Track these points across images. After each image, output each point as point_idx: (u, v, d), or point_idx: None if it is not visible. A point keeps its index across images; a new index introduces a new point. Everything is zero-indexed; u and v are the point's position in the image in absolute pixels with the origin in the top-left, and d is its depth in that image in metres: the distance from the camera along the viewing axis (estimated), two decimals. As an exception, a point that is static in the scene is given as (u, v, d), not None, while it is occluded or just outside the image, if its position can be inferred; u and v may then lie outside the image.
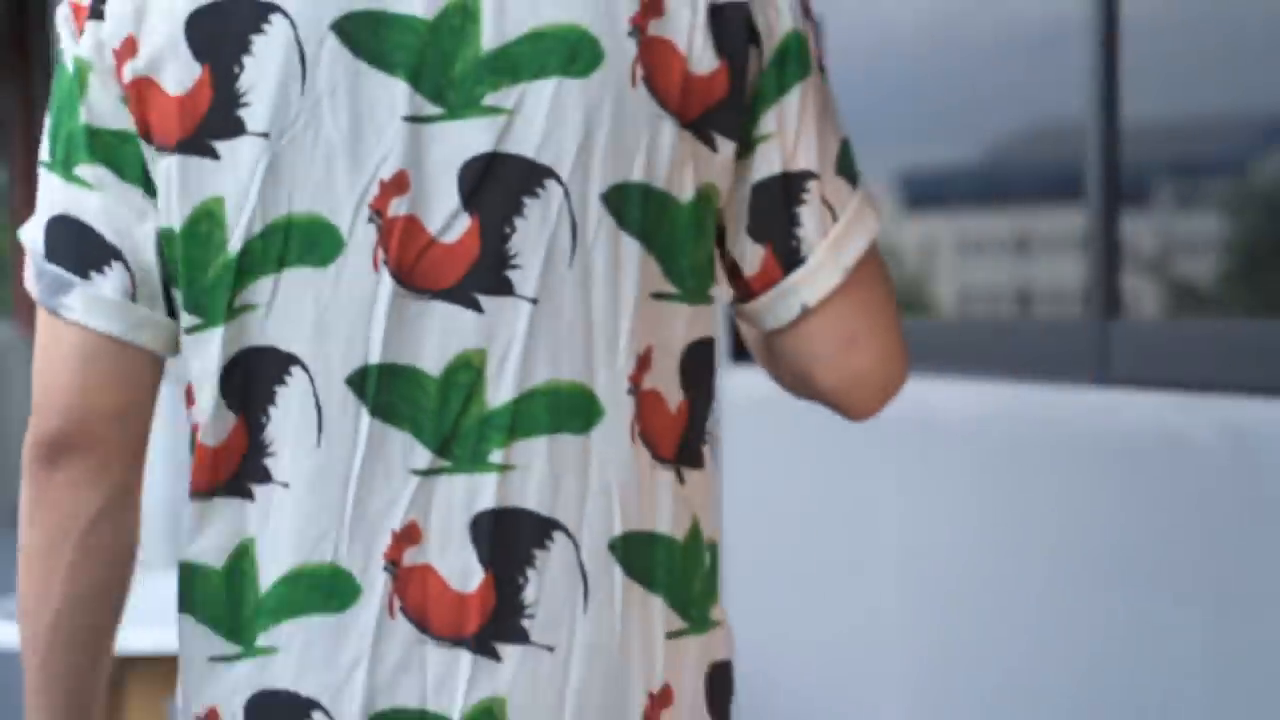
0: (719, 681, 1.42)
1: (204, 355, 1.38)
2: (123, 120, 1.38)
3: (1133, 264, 2.45)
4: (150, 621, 3.03)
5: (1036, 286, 2.80)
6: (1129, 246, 2.46)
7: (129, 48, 1.35)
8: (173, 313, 1.42)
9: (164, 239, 1.38)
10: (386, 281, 1.35)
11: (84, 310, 1.39)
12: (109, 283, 1.39)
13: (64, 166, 1.40)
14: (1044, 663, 2.36)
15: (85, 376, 1.40)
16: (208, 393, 1.37)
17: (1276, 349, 2.13)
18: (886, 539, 2.77)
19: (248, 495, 1.39)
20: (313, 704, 1.37)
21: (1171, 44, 2.46)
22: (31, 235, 1.43)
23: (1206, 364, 2.22)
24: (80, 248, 1.40)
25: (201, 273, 1.37)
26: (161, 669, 2.73)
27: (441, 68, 1.36)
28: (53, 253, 1.41)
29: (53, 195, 1.41)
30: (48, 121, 1.43)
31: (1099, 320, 2.39)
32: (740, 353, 3.63)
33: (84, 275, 1.40)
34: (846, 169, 1.44)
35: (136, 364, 1.41)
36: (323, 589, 1.37)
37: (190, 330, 1.38)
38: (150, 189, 1.39)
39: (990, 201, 2.94)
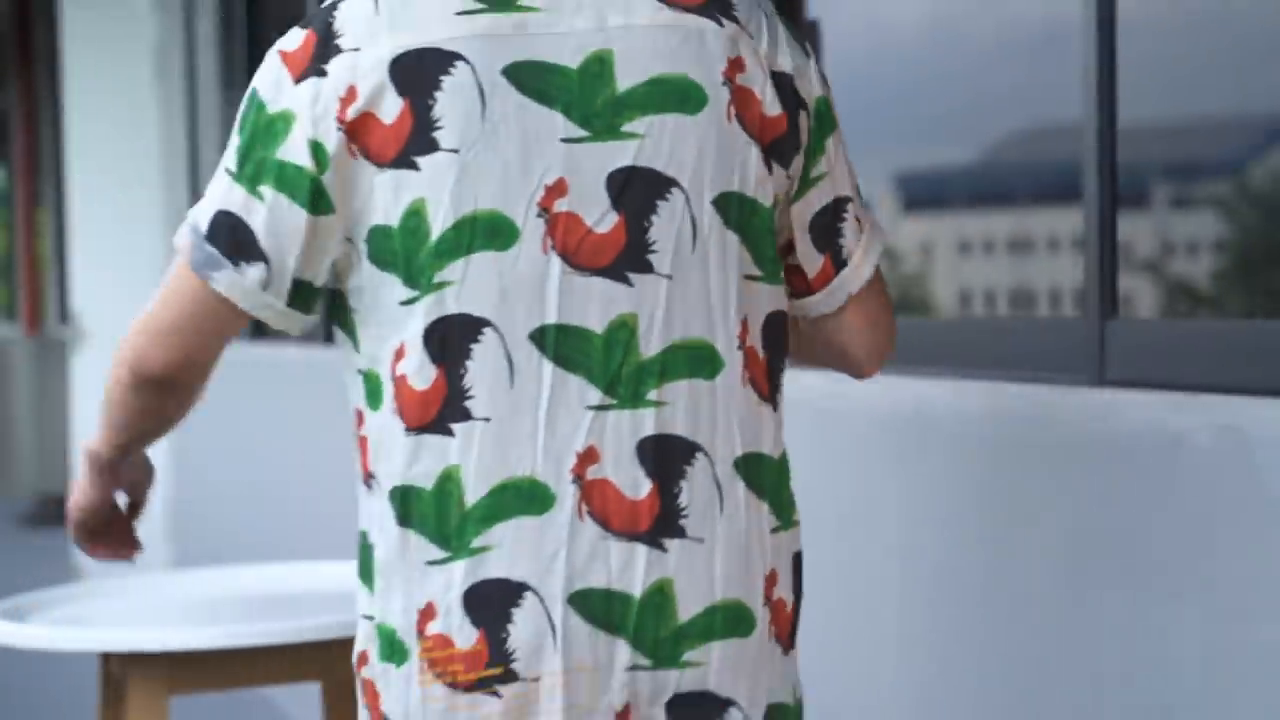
0: (798, 565, 1.91)
1: (414, 321, 1.80)
2: (306, 159, 1.81)
3: (1130, 264, 2.45)
4: (152, 621, 3.03)
5: (1034, 286, 2.80)
6: (1126, 247, 2.47)
7: (351, 94, 1.80)
8: (294, 303, 1.86)
9: (381, 234, 1.81)
10: (555, 261, 1.79)
11: (227, 286, 1.85)
12: (252, 272, 1.84)
13: (250, 181, 1.84)
14: (1041, 662, 2.36)
15: (201, 334, 1.88)
16: (415, 350, 1.80)
17: (1274, 349, 2.14)
18: (883, 536, 2.77)
19: (449, 433, 1.79)
20: (524, 586, 1.78)
21: (1169, 45, 2.46)
22: (198, 216, 1.86)
23: (1204, 364, 2.23)
24: (238, 242, 1.84)
25: (414, 257, 1.80)
26: (164, 667, 2.73)
27: (587, 103, 1.81)
28: (213, 237, 1.85)
29: (230, 196, 1.85)
30: (237, 140, 1.87)
31: (1096, 320, 2.40)
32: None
33: (234, 263, 1.84)
34: (860, 192, 1.99)
35: (237, 327, 1.89)
36: (525, 497, 1.78)
37: (405, 302, 1.81)
38: (317, 208, 1.83)
39: (988, 202, 2.95)
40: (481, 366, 1.79)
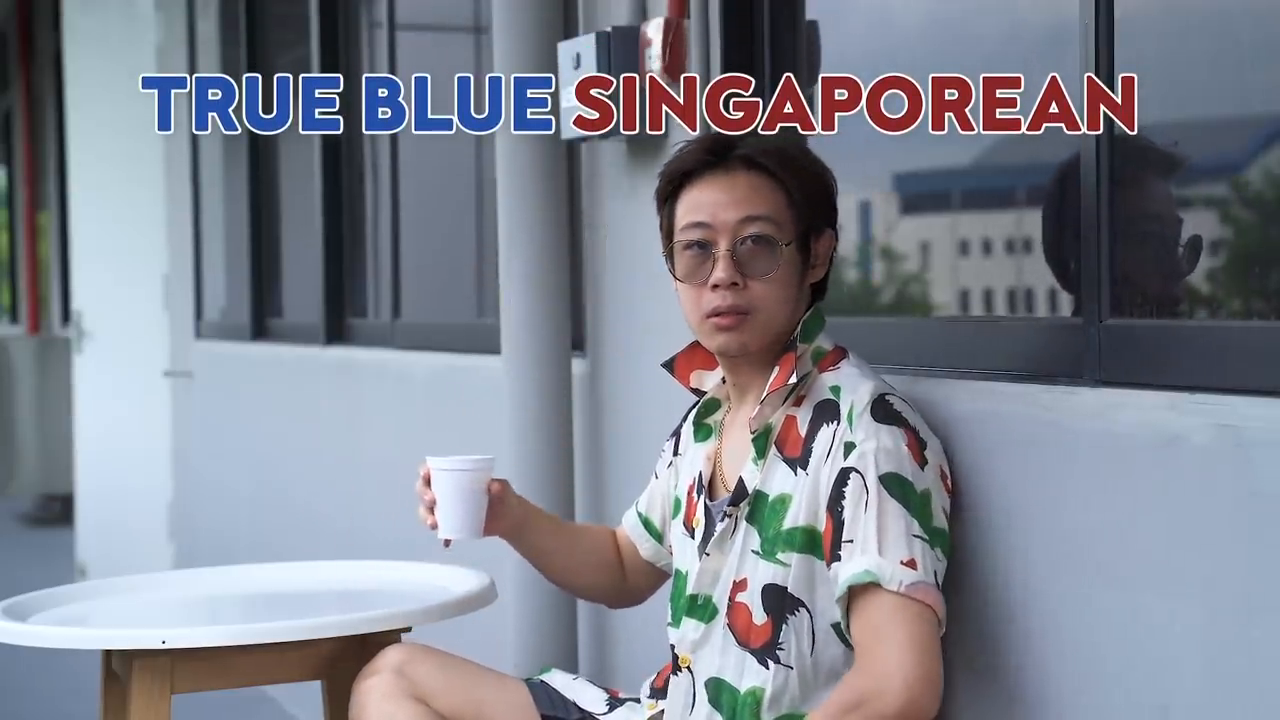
0: None
1: None
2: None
3: (1129, 263, 2.46)
4: (154, 620, 3.04)
5: (1033, 286, 2.81)
6: (1125, 246, 2.47)
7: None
8: None
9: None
10: None
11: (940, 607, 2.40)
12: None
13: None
14: (1039, 663, 2.37)
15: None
16: None
17: (1272, 349, 2.15)
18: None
19: None
20: None
21: (1169, 45, 2.47)
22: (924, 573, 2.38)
23: (1202, 364, 2.23)
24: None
25: None
26: (166, 665, 2.73)
27: None
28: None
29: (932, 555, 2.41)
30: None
31: (1095, 319, 2.40)
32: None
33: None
34: None
35: None
36: None
37: None
38: None
39: (987, 202, 2.96)
40: None
